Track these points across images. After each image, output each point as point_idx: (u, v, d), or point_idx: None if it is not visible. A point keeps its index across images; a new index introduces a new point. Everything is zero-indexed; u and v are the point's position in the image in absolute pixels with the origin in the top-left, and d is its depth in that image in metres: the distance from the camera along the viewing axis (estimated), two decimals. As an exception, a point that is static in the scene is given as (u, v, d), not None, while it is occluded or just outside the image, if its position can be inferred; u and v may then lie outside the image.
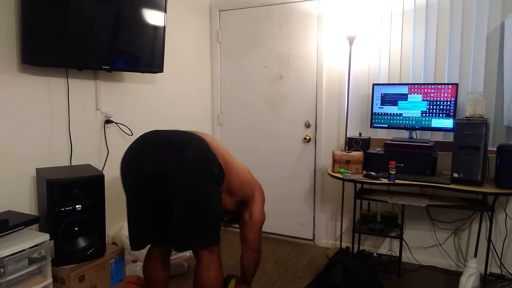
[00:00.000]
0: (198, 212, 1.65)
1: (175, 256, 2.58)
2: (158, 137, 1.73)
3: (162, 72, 2.69)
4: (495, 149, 2.34)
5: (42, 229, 1.96)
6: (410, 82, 2.77)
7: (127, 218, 1.82)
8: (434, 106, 2.62)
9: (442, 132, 2.77)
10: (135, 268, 2.43)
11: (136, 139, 1.79)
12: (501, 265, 2.68)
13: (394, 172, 2.45)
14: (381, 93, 2.78)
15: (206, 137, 1.78)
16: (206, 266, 1.71)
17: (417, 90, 2.66)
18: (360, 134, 2.95)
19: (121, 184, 1.81)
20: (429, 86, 2.62)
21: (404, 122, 2.73)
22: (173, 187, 1.62)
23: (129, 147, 1.78)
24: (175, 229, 1.66)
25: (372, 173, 2.57)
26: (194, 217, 1.65)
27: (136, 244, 1.81)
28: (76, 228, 1.92)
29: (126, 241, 2.42)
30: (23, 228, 1.78)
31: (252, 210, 2.05)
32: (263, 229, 3.51)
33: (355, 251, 2.98)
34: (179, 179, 1.61)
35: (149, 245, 1.91)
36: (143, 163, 1.67)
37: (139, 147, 1.73)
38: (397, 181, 2.45)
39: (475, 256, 2.59)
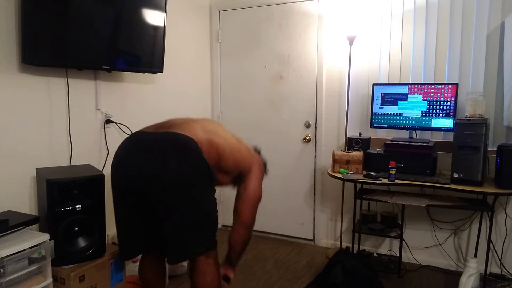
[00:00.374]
0: (190, 221, 1.59)
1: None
2: (145, 141, 1.64)
3: (162, 72, 2.69)
4: (495, 149, 2.34)
5: (42, 229, 1.96)
6: (410, 82, 2.77)
7: (116, 227, 1.77)
8: (434, 106, 2.62)
9: (442, 132, 2.77)
10: (135, 268, 2.42)
11: (121, 143, 1.72)
12: (501, 265, 2.68)
13: (394, 172, 2.45)
14: (381, 93, 2.78)
15: (196, 131, 1.67)
16: (202, 271, 1.64)
17: (417, 90, 2.66)
18: (360, 134, 2.95)
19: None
20: (429, 86, 2.62)
21: (404, 122, 2.73)
22: (162, 195, 1.56)
23: (115, 153, 1.72)
24: (166, 241, 1.60)
25: (372, 173, 2.57)
26: (187, 227, 1.59)
27: (125, 253, 1.77)
28: (76, 228, 1.92)
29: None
30: (23, 228, 1.78)
31: (247, 183, 1.90)
32: (263, 229, 3.57)
33: (355, 251, 2.98)
34: (169, 186, 1.55)
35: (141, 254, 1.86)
36: (129, 170, 1.61)
37: (125, 152, 1.67)
38: (397, 181, 2.46)
39: (475, 256, 2.59)
